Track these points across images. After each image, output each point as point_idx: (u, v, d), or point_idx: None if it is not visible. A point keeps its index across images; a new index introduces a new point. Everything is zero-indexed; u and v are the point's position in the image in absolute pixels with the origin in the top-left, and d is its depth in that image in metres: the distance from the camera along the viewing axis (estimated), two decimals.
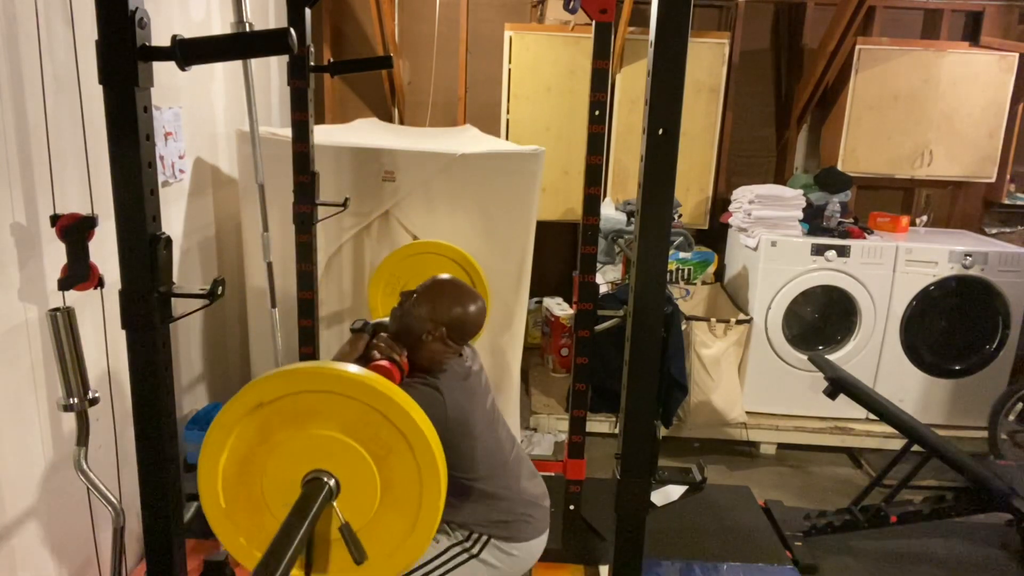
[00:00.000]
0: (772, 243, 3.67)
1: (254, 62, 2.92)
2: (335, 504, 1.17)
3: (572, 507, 2.53)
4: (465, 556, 1.73)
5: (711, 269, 4.27)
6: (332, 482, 1.17)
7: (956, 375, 3.80)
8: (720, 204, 4.43)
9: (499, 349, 3.12)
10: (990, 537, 2.91)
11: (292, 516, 1.11)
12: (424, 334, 1.69)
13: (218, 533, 1.24)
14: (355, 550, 1.17)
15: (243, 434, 1.19)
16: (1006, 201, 4.45)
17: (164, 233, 1.28)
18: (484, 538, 1.75)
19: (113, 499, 1.73)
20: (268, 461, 1.19)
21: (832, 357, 3.60)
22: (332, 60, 2.50)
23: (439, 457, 1.18)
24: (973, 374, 3.78)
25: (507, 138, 4.12)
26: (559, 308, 4.19)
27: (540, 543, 1.83)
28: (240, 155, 2.90)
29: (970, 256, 3.64)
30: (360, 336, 1.77)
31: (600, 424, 3.74)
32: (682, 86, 1.39)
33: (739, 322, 3.69)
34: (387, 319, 1.82)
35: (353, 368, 1.18)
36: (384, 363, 1.62)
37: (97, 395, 1.66)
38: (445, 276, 1.79)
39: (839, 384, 2.85)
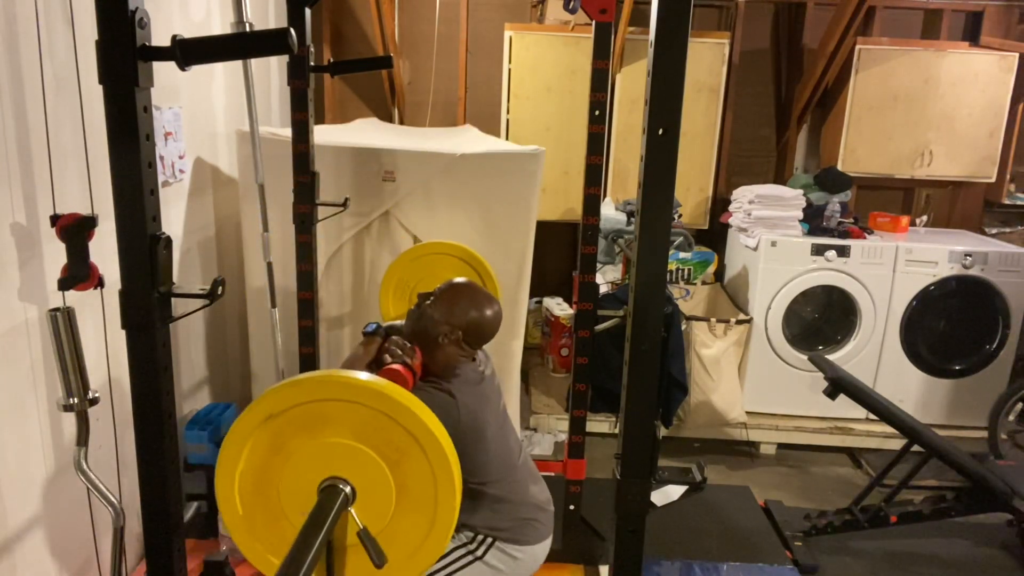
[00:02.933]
0: (772, 243, 3.67)
1: (254, 62, 2.92)
2: (352, 510, 1.18)
3: (572, 507, 2.53)
4: (470, 558, 1.73)
5: (711, 269, 4.26)
6: (348, 489, 1.17)
7: (956, 375, 3.80)
8: (720, 204, 4.43)
9: (499, 349, 3.12)
10: (990, 537, 2.91)
11: (308, 525, 1.11)
12: (440, 336, 1.69)
13: (237, 540, 1.24)
14: (374, 554, 1.17)
15: (257, 445, 1.19)
16: (1006, 201, 4.45)
17: (164, 233, 1.28)
18: (489, 540, 1.74)
19: (113, 499, 1.73)
20: (283, 470, 1.19)
21: (832, 357, 3.60)
22: (332, 60, 2.50)
23: (452, 458, 1.19)
24: (973, 374, 3.78)
25: (507, 138, 4.12)
26: (559, 308, 4.18)
27: (544, 547, 1.84)
28: (240, 155, 2.90)
29: (970, 256, 3.64)
30: (372, 339, 1.78)
31: (600, 424, 3.74)
32: (682, 86, 1.39)
33: (739, 322, 3.69)
34: (399, 322, 1.83)
35: (362, 375, 1.19)
36: (397, 367, 1.62)
37: (97, 395, 1.66)
38: (463, 280, 1.80)
39: (839, 384, 2.84)
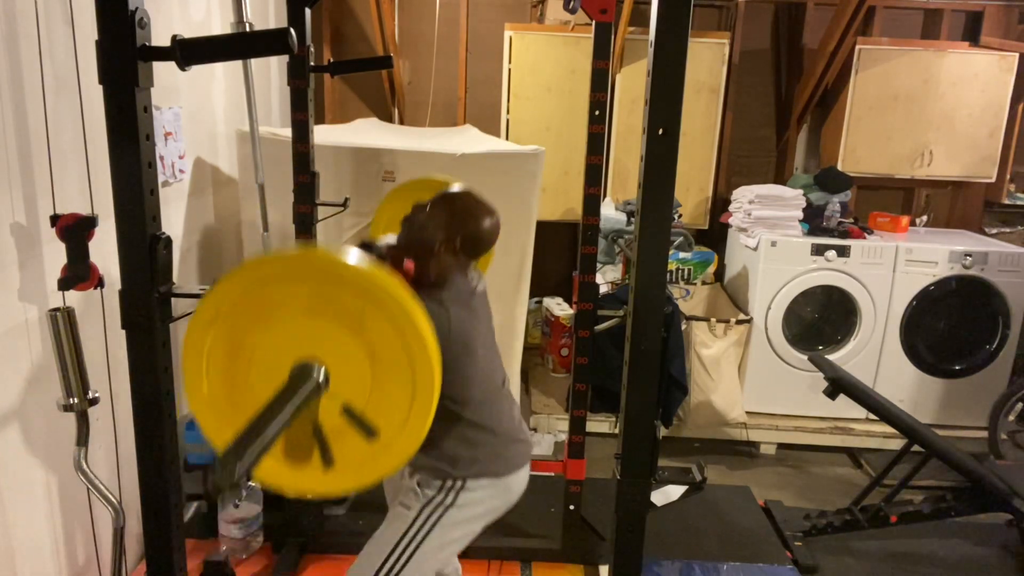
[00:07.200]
0: (772, 243, 3.67)
1: (254, 62, 2.92)
2: (329, 388, 1.12)
3: (572, 507, 2.53)
4: (440, 511, 1.66)
5: (711, 269, 4.26)
6: (321, 370, 1.12)
7: (956, 375, 3.80)
8: (720, 204, 4.43)
9: (499, 349, 3.12)
10: (990, 537, 2.91)
11: (273, 400, 1.07)
12: (436, 244, 1.62)
13: (207, 432, 1.19)
14: (363, 427, 1.12)
15: (214, 352, 1.16)
16: (1006, 201, 4.45)
17: (164, 233, 1.28)
18: (458, 483, 1.67)
19: (113, 499, 1.73)
20: (250, 370, 1.14)
21: (832, 357, 3.60)
22: (332, 60, 2.50)
23: (412, 306, 1.12)
24: (973, 374, 3.78)
25: (507, 138, 4.12)
26: (559, 308, 4.18)
27: (519, 478, 1.76)
28: (240, 155, 2.90)
29: (970, 256, 3.64)
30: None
31: (600, 424, 3.74)
32: (682, 86, 1.39)
33: (739, 322, 3.69)
34: (388, 238, 1.78)
35: (287, 252, 1.14)
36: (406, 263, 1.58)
37: (97, 395, 1.66)
38: (460, 187, 1.72)
39: (839, 384, 2.84)
